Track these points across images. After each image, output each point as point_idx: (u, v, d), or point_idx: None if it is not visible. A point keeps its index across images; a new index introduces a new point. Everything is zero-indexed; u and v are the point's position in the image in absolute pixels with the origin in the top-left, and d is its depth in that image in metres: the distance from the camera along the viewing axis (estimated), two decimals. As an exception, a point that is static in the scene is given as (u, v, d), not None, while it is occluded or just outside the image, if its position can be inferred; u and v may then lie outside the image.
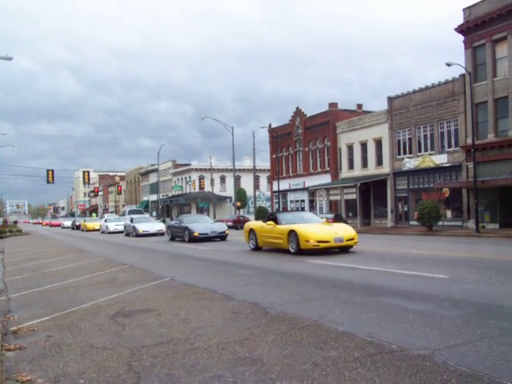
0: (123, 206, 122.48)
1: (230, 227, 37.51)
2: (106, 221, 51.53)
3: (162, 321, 7.86)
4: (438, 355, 5.46)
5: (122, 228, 44.66)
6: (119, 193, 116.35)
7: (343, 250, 18.38)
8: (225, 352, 5.96)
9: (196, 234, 28.05)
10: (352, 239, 17.81)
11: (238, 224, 53.24)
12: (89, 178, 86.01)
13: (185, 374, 5.20)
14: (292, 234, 17.93)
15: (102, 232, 49.20)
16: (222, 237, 29.25)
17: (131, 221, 39.27)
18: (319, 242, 17.14)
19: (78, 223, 66.45)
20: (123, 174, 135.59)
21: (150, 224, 38.82)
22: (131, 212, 67.27)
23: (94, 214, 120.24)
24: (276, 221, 19.70)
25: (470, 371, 4.91)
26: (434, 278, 11.26)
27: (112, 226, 47.93)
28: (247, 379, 4.97)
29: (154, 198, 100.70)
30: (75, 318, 8.43)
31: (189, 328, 7.29)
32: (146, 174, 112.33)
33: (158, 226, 39.00)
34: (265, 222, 20.67)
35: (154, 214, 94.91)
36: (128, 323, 7.78)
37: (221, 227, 30.29)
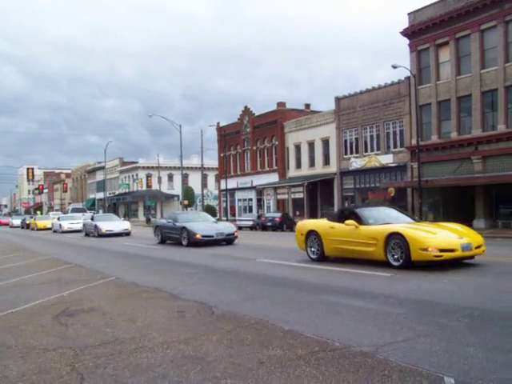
0: (69, 203, 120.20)
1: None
2: (58, 219, 47.64)
3: (107, 320, 7.77)
4: (380, 352, 5.58)
5: (77, 227, 42.42)
6: (65, 190, 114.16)
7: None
8: (170, 351, 5.93)
9: (198, 236, 22.28)
10: (480, 246, 12.75)
11: None
12: (33, 175, 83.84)
13: (129, 374, 5.16)
14: (394, 238, 12.63)
15: (55, 231, 45.59)
16: (229, 240, 23.35)
17: (92, 219, 36.90)
18: (442, 250, 11.99)
19: (27, 221, 61.89)
20: (69, 171, 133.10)
21: (115, 223, 35.76)
22: (74, 210, 65.96)
23: (38, 212, 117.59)
24: (359, 219, 14.03)
25: (410, 367, 5.03)
26: (377, 276, 11.47)
27: (66, 225, 44.26)
28: (192, 378, 4.96)
29: (100, 195, 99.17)
30: (17, 318, 8.23)
31: (134, 327, 7.22)
32: (93, 171, 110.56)
33: (124, 224, 35.97)
34: (332, 220, 15.29)
35: (101, 212, 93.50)
36: (72, 323, 7.65)
37: (228, 228, 24.27)
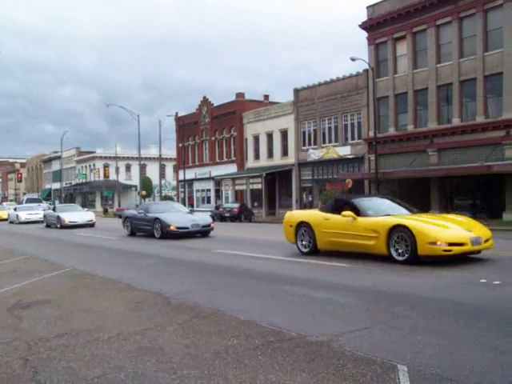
0: (24, 194, 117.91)
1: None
2: (15, 209, 45.41)
3: (62, 312, 7.67)
4: (336, 341, 5.66)
5: (35, 217, 41.26)
6: (19, 180, 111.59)
7: None
8: (126, 342, 5.90)
9: (172, 227, 21.18)
10: (488, 240, 11.95)
11: None
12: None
13: (84, 366, 5.11)
14: (398, 231, 11.69)
15: (11, 222, 43.69)
16: (205, 232, 22.52)
17: (54, 209, 35.49)
18: (452, 244, 11.18)
19: None
20: (24, 160, 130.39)
21: (78, 213, 34.15)
22: (29, 201, 64.59)
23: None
24: (356, 210, 13.12)
25: (365, 355, 5.12)
26: (334, 267, 11.61)
27: (24, 216, 42.07)
28: (148, 369, 4.95)
29: (57, 186, 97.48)
30: (-32, 310, 8.06)
31: (89, 319, 7.15)
32: (49, 161, 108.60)
33: (88, 215, 34.27)
34: (326, 211, 14.20)
35: (57, 202, 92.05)
36: (26, 315, 7.53)
37: (204, 219, 23.23)
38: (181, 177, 62.06)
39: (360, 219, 12.72)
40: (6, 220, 47.85)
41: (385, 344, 5.53)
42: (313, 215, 14.53)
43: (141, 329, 6.48)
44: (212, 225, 22.81)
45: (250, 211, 45.90)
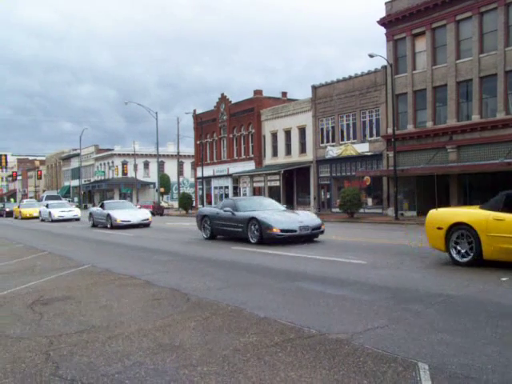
0: (43, 190, 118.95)
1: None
2: (47, 206, 43.10)
3: (82, 308, 7.72)
4: (355, 339, 5.64)
5: (69, 215, 40.74)
6: (39, 177, 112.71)
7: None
8: (145, 339, 5.92)
9: (275, 230, 17.12)
10: None
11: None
12: (6, 162, 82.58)
13: (104, 362, 5.14)
14: None
15: (42, 220, 42.02)
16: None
17: (102, 206, 32.84)
18: None
19: (8, 209, 57.75)
20: (44, 158, 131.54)
21: (130, 211, 31.23)
22: (48, 198, 65.20)
23: (12, 199, 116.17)
24: None
25: (385, 353, 5.10)
26: (352, 264, 11.57)
27: (57, 213, 40.57)
28: (168, 365, 4.96)
29: (75, 183, 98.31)
30: (-10, 306, 8.15)
31: (109, 315, 7.19)
32: (68, 158, 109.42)
33: (142, 214, 31.22)
34: (492, 209, 11.03)
35: (76, 199, 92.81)
36: (46, 311, 7.59)
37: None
38: (199, 174, 62.18)
39: None
40: (36, 218, 45.76)
41: (405, 342, 5.49)
42: (475, 214, 11.29)
43: (160, 325, 6.50)
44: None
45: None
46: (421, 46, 37.07)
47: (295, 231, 17.02)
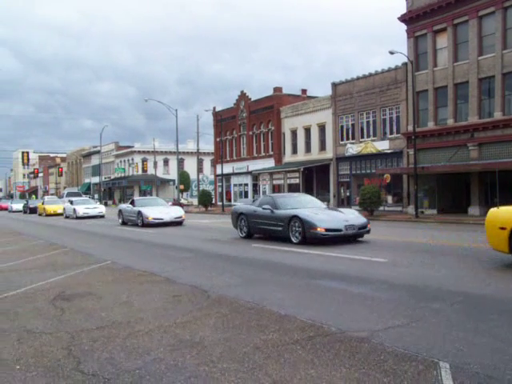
0: (64, 187, 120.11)
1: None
2: (71, 203, 42.43)
3: (103, 304, 7.78)
4: (375, 337, 5.61)
5: (94, 212, 40.22)
6: (60, 174, 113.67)
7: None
8: (166, 335, 5.95)
9: (320, 229, 15.84)
10: None
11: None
12: (28, 159, 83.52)
13: (125, 358, 5.17)
14: None
15: (67, 217, 41.66)
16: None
17: (132, 203, 31.26)
18: None
19: (32, 206, 57.07)
20: (64, 155, 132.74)
21: (163, 209, 29.54)
22: (69, 194, 65.76)
23: (33, 196, 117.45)
24: None
25: (405, 352, 5.07)
26: (373, 262, 11.51)
27: (81, 210, 39.93)
28: (188, 362, 4.98)
29: (96, 180, 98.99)
30: (12, 302, 8.22)
31: (130, 311, 7.24)
32: (88, 155, 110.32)
33: (175, 211, 29.66)
34: None
35: (96, 196, 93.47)
36: (68, 307, 7.66)
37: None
38: (218, 171, 62.28)
39: None
40: (60, 215, 45.25)
41: (425, 340, 5.45)
42: None
43: (181, 322, 6.53)
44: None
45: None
46: (442, 43, 36.72)
47: (341, 230, 16.05)
